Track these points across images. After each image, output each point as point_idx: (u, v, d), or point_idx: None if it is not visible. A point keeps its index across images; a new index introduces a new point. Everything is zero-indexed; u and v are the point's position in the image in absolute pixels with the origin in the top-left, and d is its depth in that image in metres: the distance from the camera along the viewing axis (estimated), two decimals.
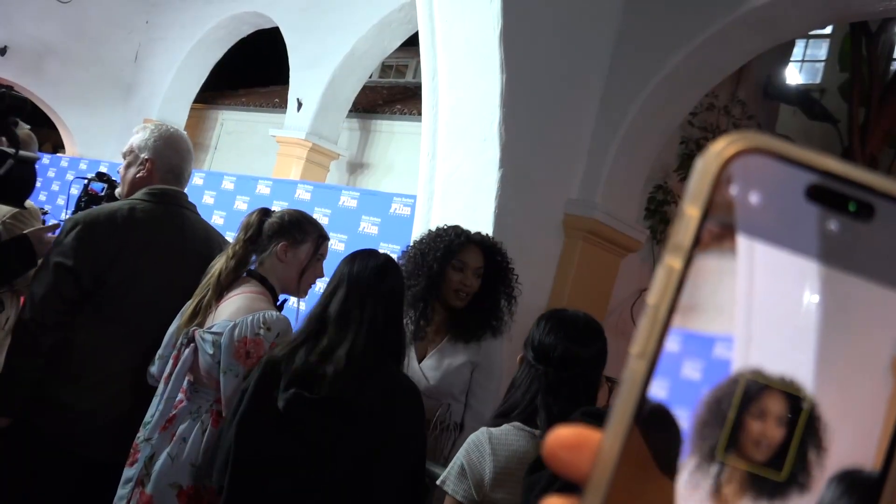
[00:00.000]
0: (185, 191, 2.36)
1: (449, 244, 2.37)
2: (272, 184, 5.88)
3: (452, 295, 2.32)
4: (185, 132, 2.53)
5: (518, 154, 3.79)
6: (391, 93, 10.33)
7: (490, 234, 3.80)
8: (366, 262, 1.74)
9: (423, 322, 2.34)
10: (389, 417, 1.64)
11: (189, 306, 2.00)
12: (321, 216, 5.38)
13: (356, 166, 9.33)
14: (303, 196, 5.52)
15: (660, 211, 5.99)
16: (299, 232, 2.10)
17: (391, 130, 9.25)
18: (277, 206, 5.70)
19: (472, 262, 2.35)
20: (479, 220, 3.75)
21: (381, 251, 1.84)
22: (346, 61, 7.99)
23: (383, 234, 4.99)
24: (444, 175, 3.93)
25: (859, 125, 5.96)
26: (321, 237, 2.16)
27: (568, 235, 4.22)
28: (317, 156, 8.32)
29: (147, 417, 1.95)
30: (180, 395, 1.92)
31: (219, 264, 2.02)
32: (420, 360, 2.32)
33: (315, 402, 1.58)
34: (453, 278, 2.32)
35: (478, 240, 2.45)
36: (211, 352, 1.85)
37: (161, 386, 1.96)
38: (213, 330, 1.89)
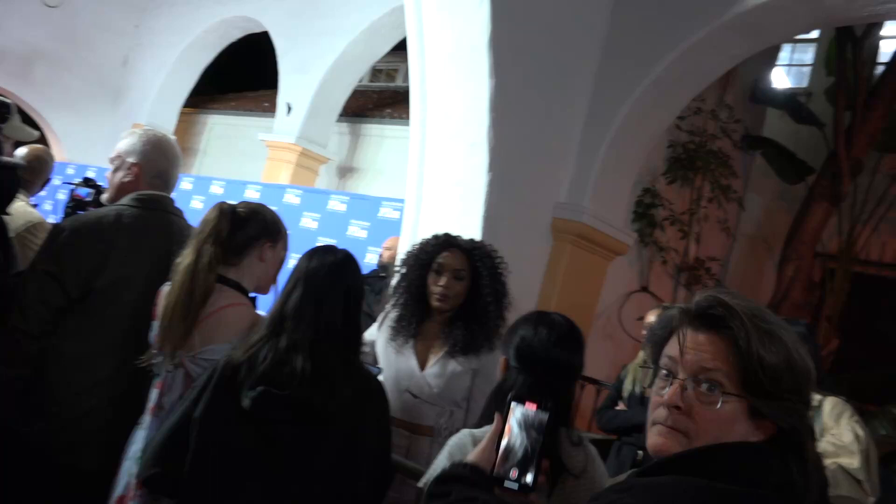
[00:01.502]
0: (174, 195, 2.35)
1: (424, 247, 2.38)
2: (261, 188, 5.87)
3: (434, 299, 2.31)
4: (174, 137, 2.52)
5: (507, 158, 3.80)
6: (381, 97, 10.34)
7: (479, 238, 3.81)
8: (323, 259, 1.71)
9: (415, 328, 2.34)
10: (359, 416, 1.62)
11: (166, 326, 1.84)
12: (310, 220, 5.38)
13: (346, 170, 9.32)
14: (292, 200, 5.52)
15: (647, 214, 6.01)
16: (276, 229, 2.04)
17: (381, 134, 9.25)
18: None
19: (450, 265, 2.32)
20: (468, 224, 3.76)
21: (340, 248, 1.80)
22: (335, 66, 7.99)
23: (372, 238, 4.99)
24: (433, 179, 3.93)
25: (844, 129, 6.01)
26: (286, 230, 2.11)
27: (556, 239, 4.23)
28: (306, 160, 8.32)
29: (136, 452, 1.85)
30: None
31: (186, 277, 1.83)
32: (422, 367, 2.31)
33: (284, 400, 1.56)
34: (431, 282, 2.32)
35: (459, 243, 2.40)
36: None
37: (148, 417, 1.88)
38: (205, 357, 1.82)
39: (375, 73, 11.32)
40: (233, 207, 1.99)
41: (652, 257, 6.21)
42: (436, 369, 2.29)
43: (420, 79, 3.85)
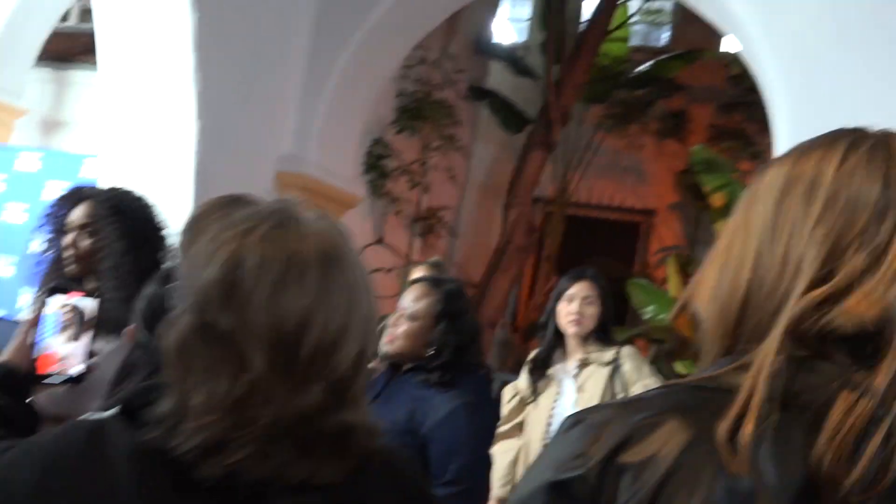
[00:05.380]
0: None
1: (55, 209, 1.94)
2: None
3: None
4: None
5: (219, 105, 3.51)
6: (93, 41, 9.16)
7: (192, 194, 3.50)
8: None
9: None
10: None
11: None
12: None
13: (51, 125, 8.15)
14: None
15: (378, 165, 6.03)
16: None
17: (94, 83, 8.21)
18: None
19: (73, 222, 1.88)
20: (179, 178, 3.44)
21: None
22: (25, 1, 6.86)
23: None
24: (135, 131, 3.53)
25: (555, 81, 6.50)
26: None
27: (282, 194, 4.04)
28: None
29: None
30: None
31: None
32: None
33: None
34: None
35: (85, 194, 1.95)
36: None
37: None
38: None
39: (85, 13, 10.02)
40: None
41: (386, 209, 6.27)
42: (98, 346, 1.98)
43: (110, 13, 3.39)
